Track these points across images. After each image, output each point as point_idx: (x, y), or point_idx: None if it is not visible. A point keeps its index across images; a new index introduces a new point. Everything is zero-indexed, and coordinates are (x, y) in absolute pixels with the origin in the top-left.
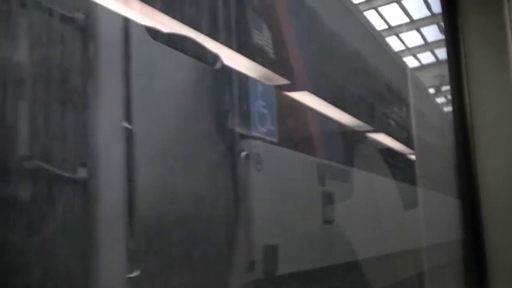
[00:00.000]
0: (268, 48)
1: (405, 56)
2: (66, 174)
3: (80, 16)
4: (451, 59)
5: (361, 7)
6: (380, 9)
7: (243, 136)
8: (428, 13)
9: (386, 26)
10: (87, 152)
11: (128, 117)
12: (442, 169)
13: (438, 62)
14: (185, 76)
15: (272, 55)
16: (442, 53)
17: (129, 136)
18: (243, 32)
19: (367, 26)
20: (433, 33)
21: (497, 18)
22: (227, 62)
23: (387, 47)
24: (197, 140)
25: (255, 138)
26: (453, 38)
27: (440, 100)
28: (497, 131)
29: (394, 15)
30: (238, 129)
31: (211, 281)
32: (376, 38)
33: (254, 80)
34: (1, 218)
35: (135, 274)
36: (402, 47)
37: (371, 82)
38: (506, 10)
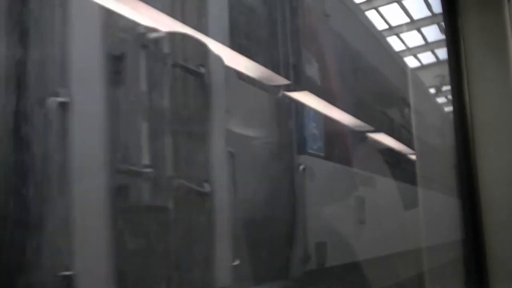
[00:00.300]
0: (316, 77)
1: (405, 56)
2: (198, 188)
3: (202, 69)
4: (451, 59)
5: (362, 7)
6: (381, 9)
7: (300, 152)
8: (428, 13)
9: (386, 26)
10: (207, 171)
11: (229, 142)
12: (443, 170)
13: (438, 62)
14: (260, 105)
15: (318, 83)
16: (442, 53)
17: (231, 157)
18: (299, 66)
19: (386, 46)
20: (433, 33)
21: (498, 18)
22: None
23: (400, 60)
24: (270, 157)
25: (309, 154)
26: (453, 38)
27: (440, 100)
28: (497, 131)
29: (394, 15)
30: (297, 147)
31: (279, 270)
32: (393, 56)
33: (308, 106)
34: (157, 221)
35: (236, 262)
36: (403, 47)
37: (388, 94)
38: (506, 10)
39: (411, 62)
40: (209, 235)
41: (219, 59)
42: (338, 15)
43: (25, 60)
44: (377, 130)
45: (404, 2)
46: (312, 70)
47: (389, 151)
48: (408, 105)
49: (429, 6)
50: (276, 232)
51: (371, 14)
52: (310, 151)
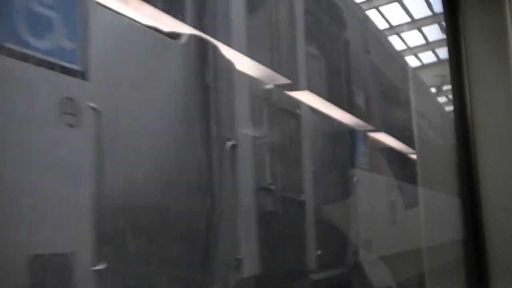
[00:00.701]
0: (362, 104)
1: (406, 55)
2: (297, 198)
3: (298, 111)
4: (452, 59)
5: (363, 7)
6: (381, 8)
7: (352, 167)
8: (429, 13)
9: (387, 26)
10: (302, 185)
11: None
12: (444, 170)
13: (439, 61)
14: (325, 131)
15: (363, 108)
16: (443, 53)
17: (313, 174)
18: (352, 98)
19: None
20: (434, 32)
21: (498, 17)
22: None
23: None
24: (333, 171)
25: (358, 167)
26: (454, 37)
27: (441, 99)
28: (497, 131)
29: (395, 14)
30: (351, 163)
31: (340, 259)
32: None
33: (358, 130)
34: (271, 221)
35: (319, 252)
36: (404, 47)
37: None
38: (507, 10)
39: (412, 61)
40: (304, 232)
41: (305, 101)
42: (374, 50)
43: (208, 118)
44: (401, 141)
45: (405, 2)
46: (359, 99)
47: (407, 159)
48: (427, 120)
49: (430, 6)
50: (337, 230)
51: (372, 13)
52: (360, 165)
